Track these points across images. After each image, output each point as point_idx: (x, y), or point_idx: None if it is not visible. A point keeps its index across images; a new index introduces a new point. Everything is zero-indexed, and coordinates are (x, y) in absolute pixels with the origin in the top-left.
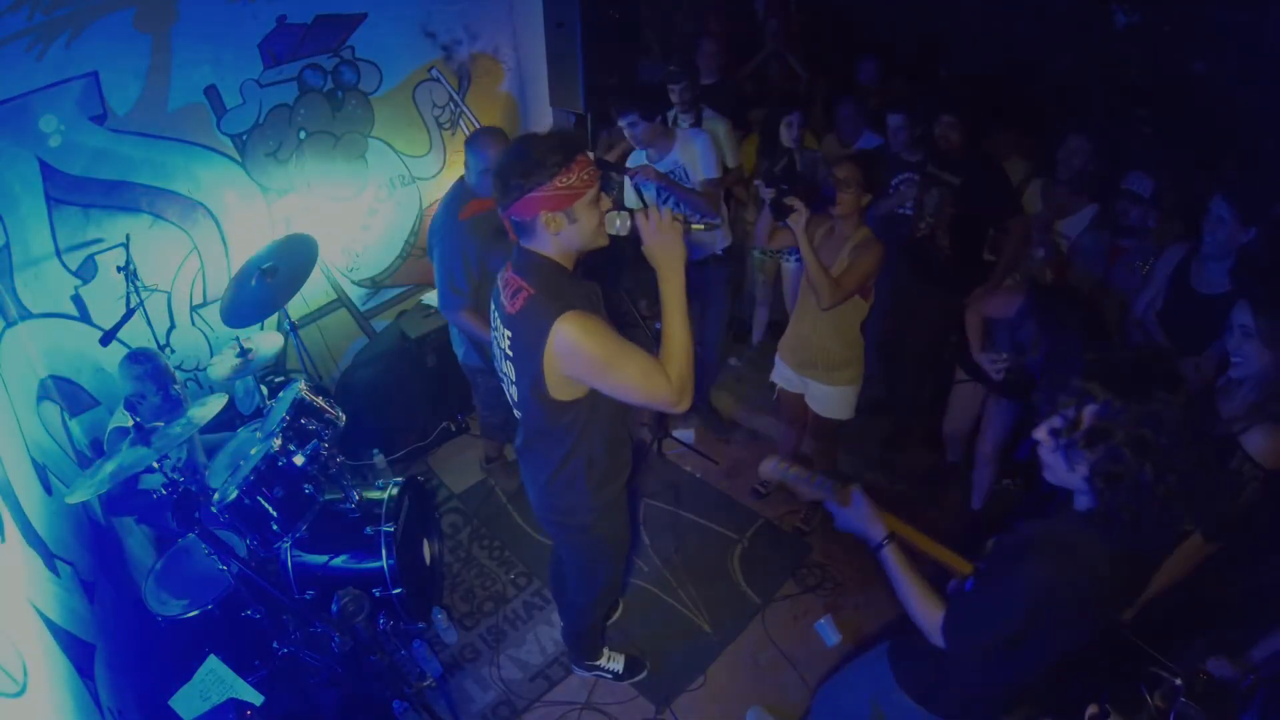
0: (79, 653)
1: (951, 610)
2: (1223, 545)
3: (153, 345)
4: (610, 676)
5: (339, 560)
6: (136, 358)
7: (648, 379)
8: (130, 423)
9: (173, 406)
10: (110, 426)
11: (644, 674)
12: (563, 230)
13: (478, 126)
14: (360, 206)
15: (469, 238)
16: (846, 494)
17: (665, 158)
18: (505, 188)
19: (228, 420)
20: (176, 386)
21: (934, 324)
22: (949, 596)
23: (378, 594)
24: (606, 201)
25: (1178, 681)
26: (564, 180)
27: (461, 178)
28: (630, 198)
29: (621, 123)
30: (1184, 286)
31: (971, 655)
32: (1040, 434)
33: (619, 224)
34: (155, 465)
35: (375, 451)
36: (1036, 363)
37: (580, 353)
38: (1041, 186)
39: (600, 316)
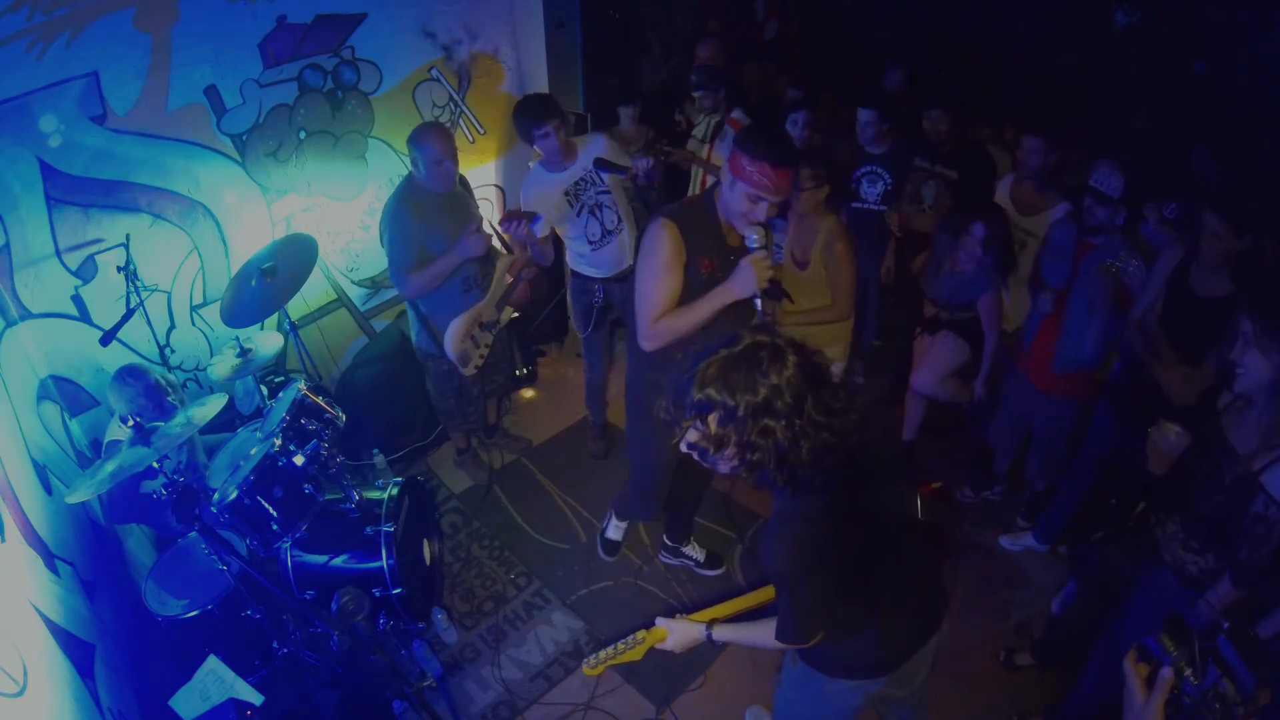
0: (79, 653)
1: (779, 620)
2: (1253, 595)
3: (152, 345)
4: (693, 564)
5: (339, 560)
6: (125, 378)
7: (649, 299)
8: (129, 426)
9: (171, 417)
10: (107, 439)
11: (721, 569)
12: (729, 192)
13: (478, 127)
14: (360, 206)
15: (416, 224)
16: (658, 630)
17: (572, 166)
18: (754, 147)
19: (228, 420)
20: (172, 397)
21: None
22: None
23: (378, 594)
24: (761, 217)
25: (1226, 624)
26: (767, 184)
27: (409, 174)
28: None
29: (536, 133)
30: (1183, 290)
31: (831, 625)
32: (683, 449)
33: (755, 237)
34: (155, 465)
35: (375, 451)
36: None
37: (644, 246)
38: (1010, 185)
39: (685, 246)
